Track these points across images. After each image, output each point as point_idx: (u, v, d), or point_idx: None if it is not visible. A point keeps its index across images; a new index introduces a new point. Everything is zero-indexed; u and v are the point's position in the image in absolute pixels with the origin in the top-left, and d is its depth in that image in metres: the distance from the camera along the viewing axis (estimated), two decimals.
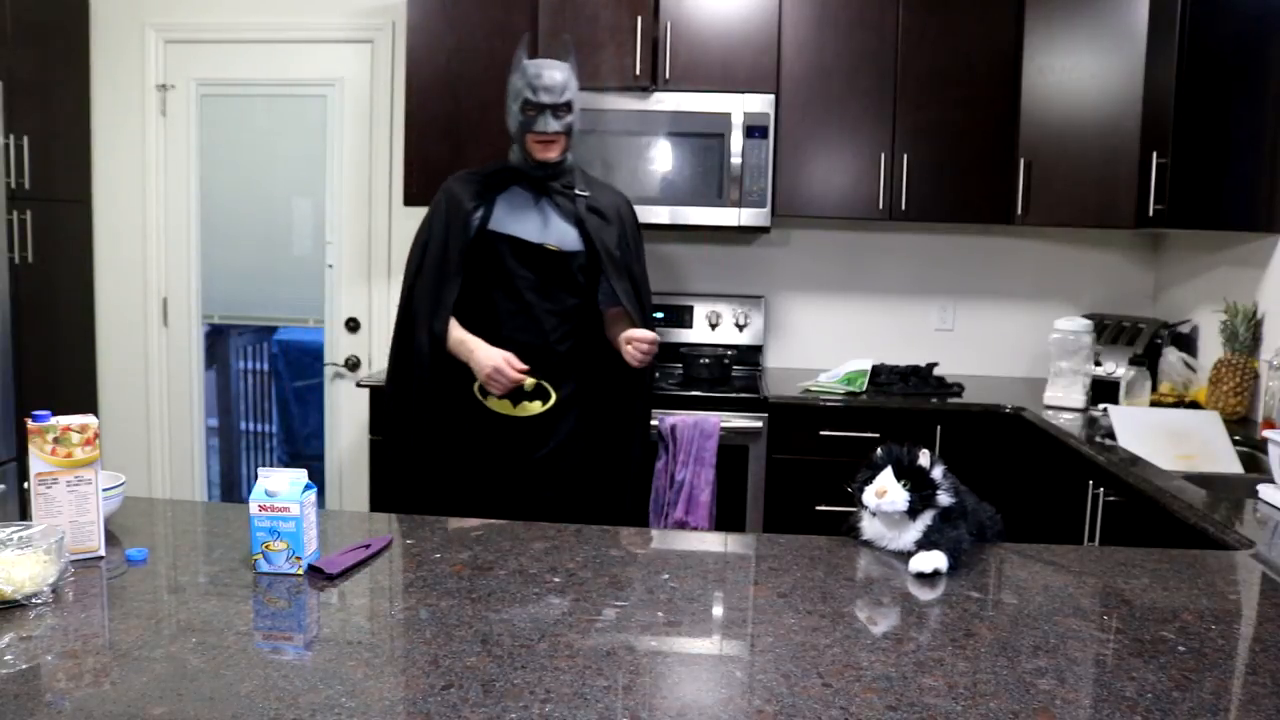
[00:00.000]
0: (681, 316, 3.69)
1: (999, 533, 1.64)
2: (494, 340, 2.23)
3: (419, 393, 2.28)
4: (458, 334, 2.26)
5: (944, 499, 1.50)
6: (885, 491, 1.50)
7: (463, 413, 2.32)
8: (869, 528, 1.57)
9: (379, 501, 3.25)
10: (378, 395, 3.19)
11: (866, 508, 1.54)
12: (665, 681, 1.10)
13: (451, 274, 2.27)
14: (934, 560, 1.44)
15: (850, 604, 1.36)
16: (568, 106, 2.25)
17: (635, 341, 2.19)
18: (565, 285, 2.32)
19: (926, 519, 1.50)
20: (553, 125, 2.23)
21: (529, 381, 2.24)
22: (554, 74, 2.24)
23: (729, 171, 3.30)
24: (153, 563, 1.44)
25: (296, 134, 3.88)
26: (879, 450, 1.55)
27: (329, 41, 3.80)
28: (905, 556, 1.50)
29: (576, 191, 2.33)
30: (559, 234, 2.30)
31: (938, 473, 1.52)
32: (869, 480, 1.53)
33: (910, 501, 1.49)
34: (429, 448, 2.32)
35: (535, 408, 2.30)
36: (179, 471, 4.04)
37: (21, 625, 1.20)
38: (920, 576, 1.44)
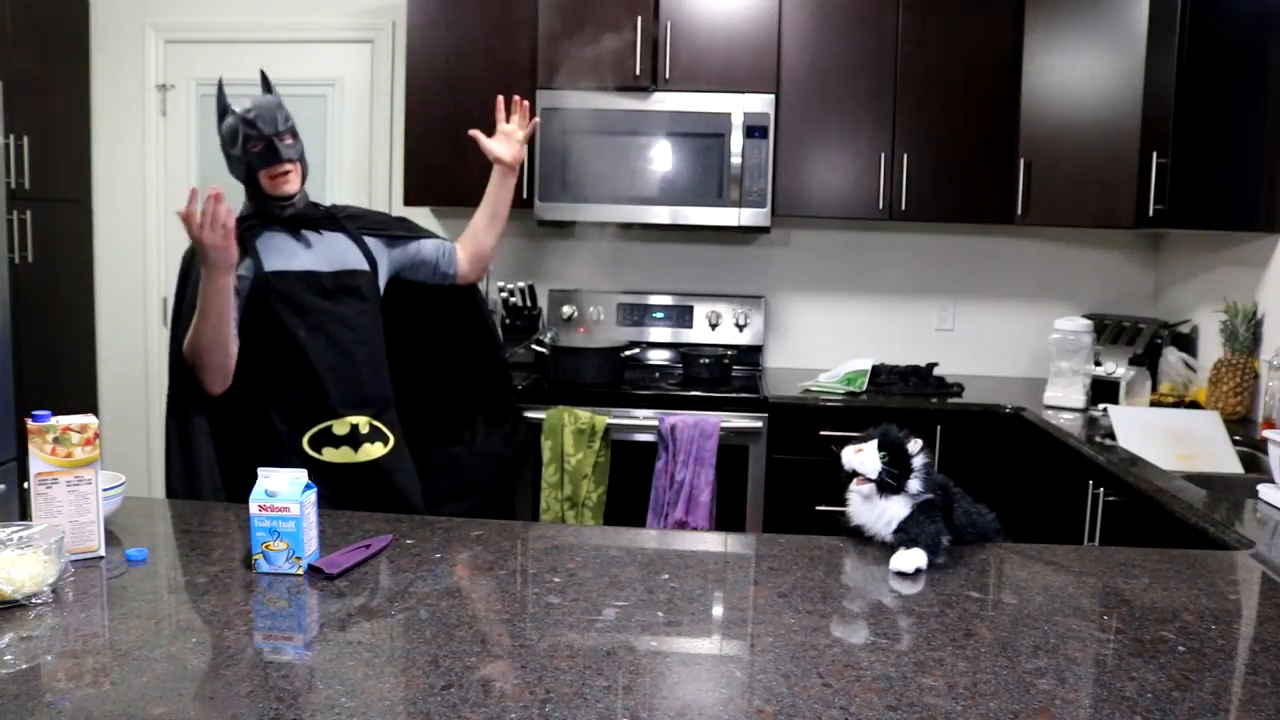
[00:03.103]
0: (681, 316, 3.70)
1: (999, 531, 1.64)
2: (314, 382, 2.05)
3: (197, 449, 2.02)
4: (191, 332, 1.99)
5: (913, 486, 1.53)
6: (862, 450, 1.56)
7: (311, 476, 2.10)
8: (854, 508, 1.60)
9: None
10: None
11: (845, 468, 1.59)
12: (665, 681, 1.10)
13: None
14: (914, 559, 1.46)
15: (850, 604, 1.36)
16: (293, 133, 2.08)
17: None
18: (360, 310, 2.14)
19: (902, 507, 1.52)
20: (283, 152, 2.04)
21: (363, 420, 2.09)
22: (264, 101, 2.07)
23: (729, 171, 3.30)
24: (153, 563, 1.44)
25: None
26: (878, 426, 1.61)
27: (329, 41, 3.80)
28: (889, 549, 1.52)
29: (327, 213, 2.17)
30: (336, 257, 2.13)
31: (917, 461, 1.54)
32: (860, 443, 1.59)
33: (881, 472, 1.53)
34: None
35: (378, 450, 2.12)
36: None
37: (21, 625, 1.19)
38: (901, 575, 1.45)
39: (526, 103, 2.29)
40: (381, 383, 2.17)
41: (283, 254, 2.08)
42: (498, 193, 2.34)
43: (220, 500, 1.99)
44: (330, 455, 2.08)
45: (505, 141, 2.30)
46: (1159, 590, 1.41)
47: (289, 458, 2.04)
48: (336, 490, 2.04)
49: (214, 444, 2.04)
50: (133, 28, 3.84)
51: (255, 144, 2.04)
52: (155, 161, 3.89)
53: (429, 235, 2.33)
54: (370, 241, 2.21)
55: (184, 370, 2.02)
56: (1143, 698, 1.07)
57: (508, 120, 2.32)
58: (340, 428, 2.09)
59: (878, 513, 1.55)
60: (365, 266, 2.16)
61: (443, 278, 2.34)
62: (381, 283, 2.21)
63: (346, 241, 2.17)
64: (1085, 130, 3.16)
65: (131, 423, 3.99)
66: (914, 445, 1.56)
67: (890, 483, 1.53)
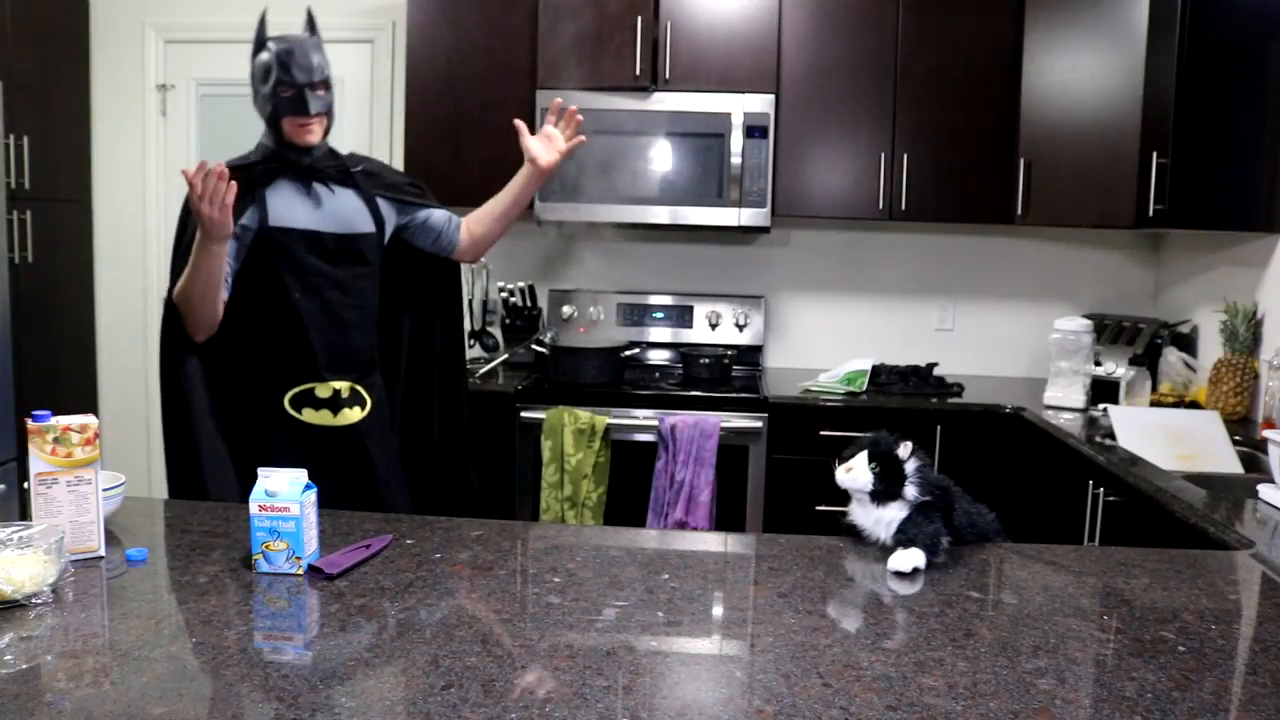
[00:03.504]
0: (681, 316, 3.70)
1: (999, 530, 1.64)
2: (303, 345, 2.06)
3: (190, 396, 2.05)
4: (181, 283, 1.98)
5: (910, 491, 1.52)
6: (852, 469, 1.54)
7: (276, 433, 2.07)
8: (854, 513, 1.59)
9: None
10: None
11: (841, 486, 1.58)
12: (665, 681, 1.10)
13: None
14: (911, 559, 1.46)
15: (850, 604, 1.36)
16: (326, 84, 2.06)
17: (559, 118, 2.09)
18: (359, 274, 2.14)
19: (900, 510, 1.52)
20: (311, 106, 2.02)
21: (345, 385, 2.11)
22: (306, 49, 2.04)
23: (729, 171, 3.30)
24: (153, 563, 1.44)
25: None
26: (868, 434, 1.59)
27: (329, 41, 3.74)
28: (889, 550, 1.51)
29: (343, 166, 2.14)
30: (343, 218, 2.11)
31: (911, 466, 1.53)
32: (850, 458, 1.57)
33: (874, 484, 1.51)
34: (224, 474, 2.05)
35: (355, 415, 2.13)
36: None
37: (21, 625, 1.19)
38: (899, 575, 1.45)
39: (581, 118, 2.22)
40: (369, 346, 2.18)
41: (290, 208, 2.06)
42: (520, 191, 2.28)
43: (214, 443, 2.03)
44: (309, 416, 2.09)
45: (547, 145, 2.21)
46: (1159, 590, 1.41)
47: (269, 412, 2.07)
48: (311, 451, 2.05)
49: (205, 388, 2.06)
50: (133, 28, 3.84)
51: (285, 89, 2.02)
52: (155, 161, 3.89)
53: (439, 205, 2.32)
54: (380, 202, 2.19)
55: (175, 314, 2.02)
56: (1143, 698, 1.07)
57: (555, 124, 2.24)
58: (323, 391, 2.10)
59: (875, 517, 1.54)
60: (371, 228, 2.15)
61: (440, 249, 2.31)
62: (384, 243, 2.21)
63: (356, 200, 2.14)
64: (1085, 130, 3.16)
65: (131, 423, 3.99)
66: (904, 450, 1.54)
67: (883, 491, 1.52)
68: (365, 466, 2.15)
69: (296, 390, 2.09)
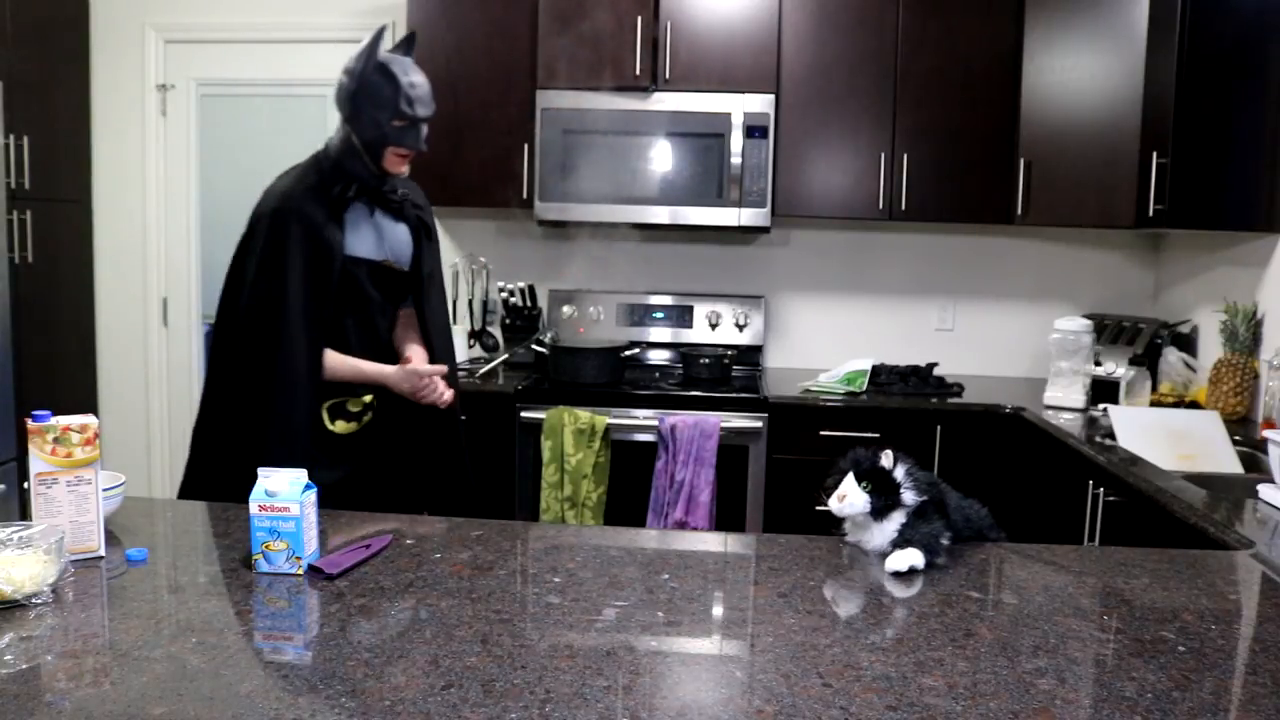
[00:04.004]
0: (681, 316, 3.70)
1: (992, 525, 1.63)
2: None
3: (299, 424, 2.05)
4: (337, 360, 2.07)
5: (908, 498, 1.51)
6: (845, 496, 1.52)
7: (315, 440, 2.10)
8: (852, 535, 1.58)
9: None
10: None
11: (839, 515, 1.56)
12: (665, 681, 1.10)
13: (325, 308, 2.04)
14: (909, 558, 1.45)
15: (850, 604, 1.36)
16: (431, 118, 2.06)
17: (436, 380, 2.10)
18: (397, 302, 2.19)
19: (898, 518, 1.51)
20: (422, 141, 2.04)
21: (370, 399, 2.17)
22: (423, 81, 2.03)
23: (729, 171, 3.30)
24: (153, 563, 1.44)
25: (296, 134, 3.87)
26: (844, 457, 1.56)
27: (329, 41, 3.79)
28: (885, 557, 1.50)
29: (403, 196, 2.15)
30: (395, 249, 2.14)
31: (900, 472, 1.52)
32: (835, 485, 1.54)
33: (871, 503, 1.50)
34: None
35: (367, 419, 2.19)
36: (179, 471, 4.00)
37: (21, 625, 1.19)
38: (897, 575, 1.45)
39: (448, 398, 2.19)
40: (396, 361, 2.21)
41: (359, 235, 2.08)
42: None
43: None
44: (339, 427, 2.14)
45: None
46: (1159, 590, 1.41)
47: (305, 418, 2.10)
48: (336, 457, 2.11)
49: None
50: (133, 28, 3.84)
51: (403, 120, 2.01)
52: (155, 161, 3.89)
53: (442, 312, 2.30)
54: (426, 249, 2.22)
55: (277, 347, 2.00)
56: (1143, 698, 1.07)
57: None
58: (354, 405, 2.16)
59: (874, 531, 1.53)
60: (409, 262, 2.18)
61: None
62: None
63: (406, 233, 2.17)
64: (1085, 130, 3.16)
65: (131, 423, 3.99)
66: (886, 460, 1.53)
67: (883, 506, 1.51)
68: (379, 465, 2.19)
69: (333, 402, 2.13)
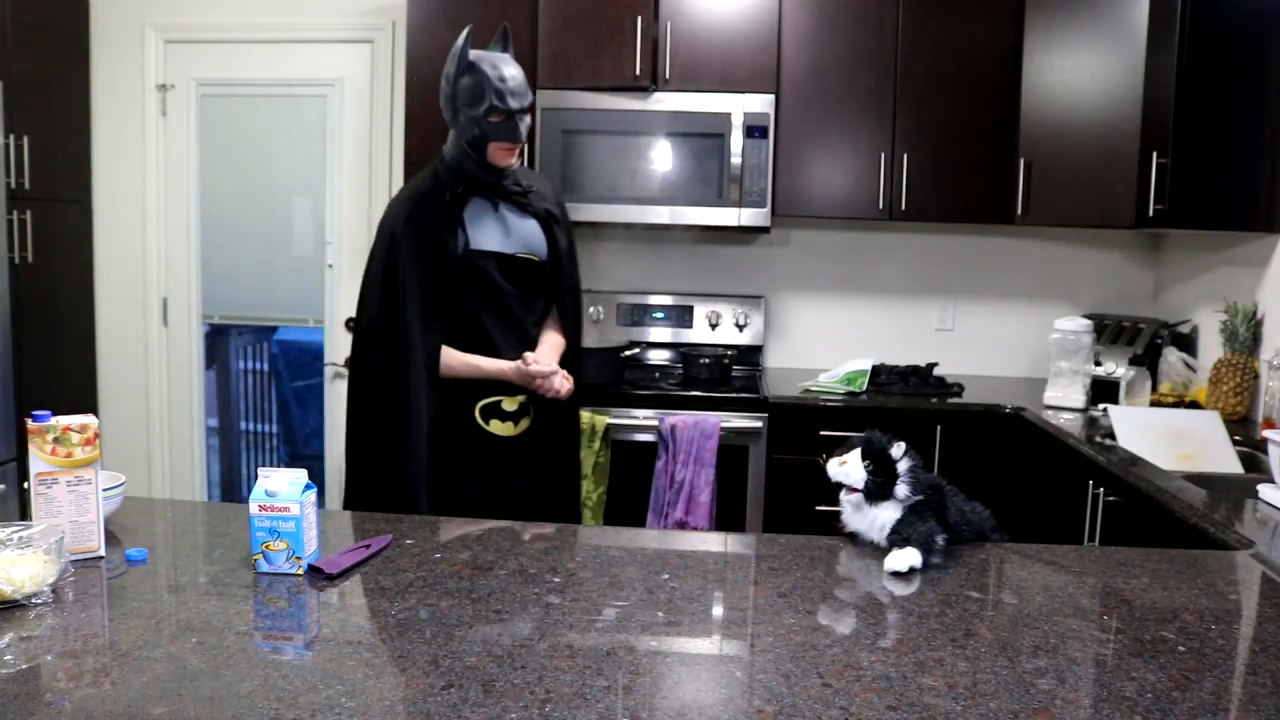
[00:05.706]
0: (681, 316, 3.70)
1: (994, 527, 1.64)
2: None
3: (420, 424, 2.08)
4: (454, 359, 2.12)
5: (901, 491, 1.52)
6: (845, 463, 1.55)
7: (465, 441, 2.16)
8: (847, 518, 1.59)
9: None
10: None
11: (833, 479, 1.59)
12: (665, 681, 1.10)
13: (441, 307, 2.10)
14: (907, 558, 1.46)
15: (850, 604, 1.36)
16: (530, 108, 2.10)
17: (559, 375, 2.14)
18: (539, 293, 2.24)
19: (893, 511, 1.52)
20: (521, 131, 2.07)
21: (524, 398, 2.21)
22: (515, 73, 2.07)
23: (729, 171, 3.30)
24: (153, 563, 1.44)
25: (296, 134, 3.88)
26: (863, 433, 1.59)
27: (329, 41, 3.80)
28: (885, 551, 1.51)
29: (527, 188, 2.19)
30: (526, 241, 2.19)
31: (904, 466, 1.54)
32: (842, 454, 1.58)
33: (866, 481, 1.52)
34: (419, 484, 2.10)
35: (525, 425, 2.23)
36: (179, 471, 4.04)
37: (21, 625, 1.19)
38: (896, 575, 1.45)
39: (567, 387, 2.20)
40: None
41: (484, 230, 2.13)
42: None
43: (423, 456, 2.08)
44: (495, 428, 2.18)
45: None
46: (1159, 590, 1.41)
47: (459, 421, 2.14)
48: (487, 459, 2.16)
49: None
50: (133, 28, 3.84)
51: (498, 115, 2.04)
52: (155, 161, 3.88)
53: (573, 301, 2.32)
54: (554, 228, 2.23)
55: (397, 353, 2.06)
56: (1143, 698, 1.07)
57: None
58: (509, 404, 2.18)
59: (869, 520, 1.54)
60: (547, 254, 2.21)
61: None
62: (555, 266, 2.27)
63: (536, 225, 2.20)
64: (1085, 130, 3.16)
65: (131, 423, 3.99)
66: (897, 450, 1.54)
67: (875, 490, 1.52)
68: (529, 473, 2.23)
69: (486, 401, 2.16)
